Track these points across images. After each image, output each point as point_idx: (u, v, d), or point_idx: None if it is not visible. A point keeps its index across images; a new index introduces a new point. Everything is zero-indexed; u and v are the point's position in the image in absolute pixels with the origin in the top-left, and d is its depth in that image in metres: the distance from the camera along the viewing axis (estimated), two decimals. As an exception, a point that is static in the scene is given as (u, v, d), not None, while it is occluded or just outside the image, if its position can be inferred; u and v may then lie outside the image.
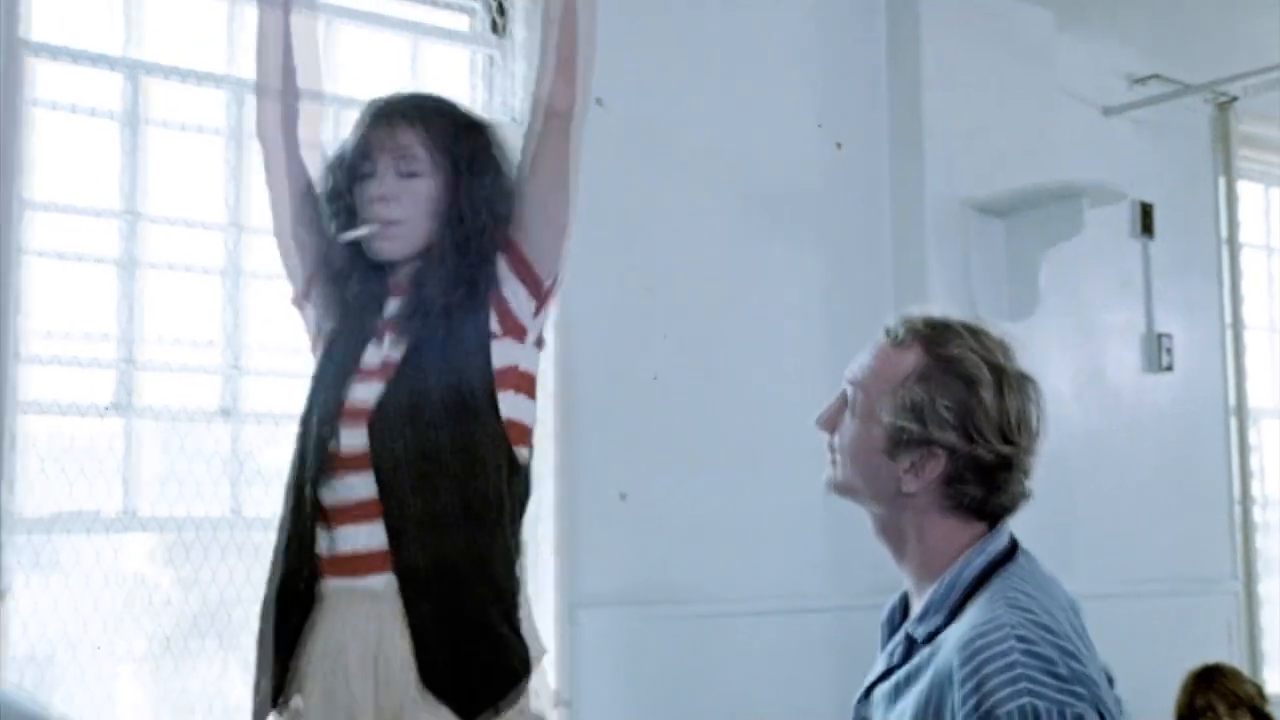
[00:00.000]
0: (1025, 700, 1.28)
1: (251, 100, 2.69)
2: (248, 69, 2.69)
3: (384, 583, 1.78)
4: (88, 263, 2.56)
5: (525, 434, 1.88)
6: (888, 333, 1.53)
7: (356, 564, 1.80)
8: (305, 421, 1.88)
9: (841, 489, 1.56)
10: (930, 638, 1.43)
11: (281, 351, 2.66)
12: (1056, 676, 1.30)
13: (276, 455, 2.63)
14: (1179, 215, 4.28)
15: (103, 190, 2.58)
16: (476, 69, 3.10)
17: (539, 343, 1.93)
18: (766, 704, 3.09)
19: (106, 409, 2.53)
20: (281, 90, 2.00)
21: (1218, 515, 4.34)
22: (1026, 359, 1.52)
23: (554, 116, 1.88)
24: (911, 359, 1.49)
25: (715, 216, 3.25)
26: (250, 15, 2.73)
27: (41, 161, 2.49)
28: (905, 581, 1.55)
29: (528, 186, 1.91)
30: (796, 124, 3.44)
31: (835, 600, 3.29)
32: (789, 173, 3.42)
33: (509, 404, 1.85)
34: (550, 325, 2.07)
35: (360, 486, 1.80)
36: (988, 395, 1.45)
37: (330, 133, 2.34)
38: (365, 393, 1.83)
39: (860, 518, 1.58)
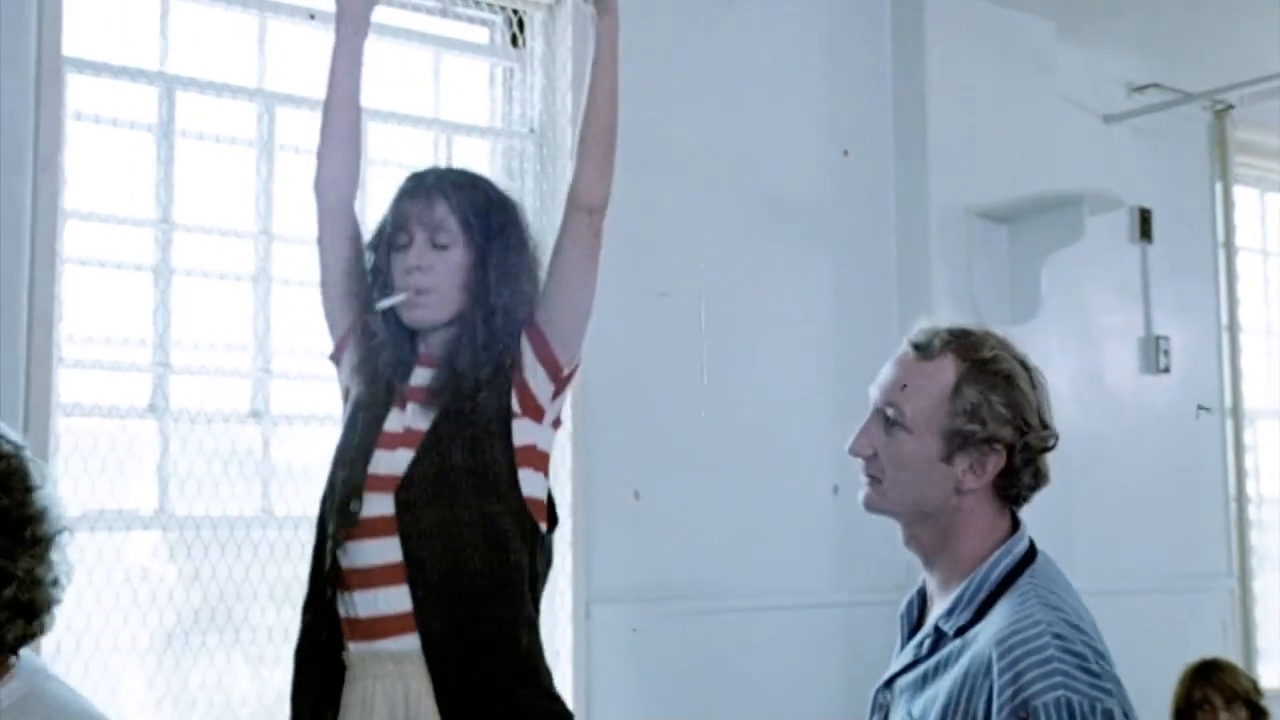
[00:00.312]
0: (1060, 693, 1.34)
1: (281, 113, 2.79)
2: (277, 83, 2.79)
3: (406, 645, 1.81)
4: (124, 270, 2.62)
5: (542, 510, 1.91)
6: (916, 347, 1.56)
7: (378, 627, 1.83)
8: (329, 486, 1.91)
9: (890, 506, 1.57)
10: (960, 632, 1.49)
11: (310, 355, 2.73)
12: (1089, 672, 1.37)
13: (305, 455, 2.73)
14: (1177, 220, 4.32)
15: (138, 200, 2.64)
16: (496, 81, 3.16)
17: (556, 424, 1.96)
18: (776, 696, 3.16)
19: (143, 411, 2.60)
20: (350, 120, 2.00)
21: (1214, 513, 4.37)
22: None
23: (587, 212, 1.93)
24: (950, 366, 1.53)
25: (725, 222, 3.30)
26: (279, 31, 2.82)
27: (80, 173, 2.55)
28: (929, 582, 1.60)
29: (555, 275, 1.94)
30: (804, 132, 3.49)
31: (843, 596, 3.36)
32: (797, 180, 3.47)
33: (528, 482, 1.89)
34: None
35: (380, 551, 1.83)
36: (1025, 388, 1.53)
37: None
38: (390, 461, 1.87)
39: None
